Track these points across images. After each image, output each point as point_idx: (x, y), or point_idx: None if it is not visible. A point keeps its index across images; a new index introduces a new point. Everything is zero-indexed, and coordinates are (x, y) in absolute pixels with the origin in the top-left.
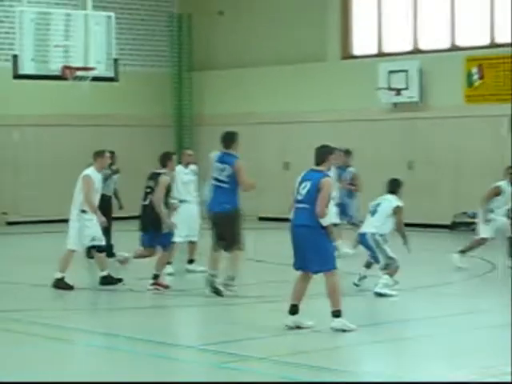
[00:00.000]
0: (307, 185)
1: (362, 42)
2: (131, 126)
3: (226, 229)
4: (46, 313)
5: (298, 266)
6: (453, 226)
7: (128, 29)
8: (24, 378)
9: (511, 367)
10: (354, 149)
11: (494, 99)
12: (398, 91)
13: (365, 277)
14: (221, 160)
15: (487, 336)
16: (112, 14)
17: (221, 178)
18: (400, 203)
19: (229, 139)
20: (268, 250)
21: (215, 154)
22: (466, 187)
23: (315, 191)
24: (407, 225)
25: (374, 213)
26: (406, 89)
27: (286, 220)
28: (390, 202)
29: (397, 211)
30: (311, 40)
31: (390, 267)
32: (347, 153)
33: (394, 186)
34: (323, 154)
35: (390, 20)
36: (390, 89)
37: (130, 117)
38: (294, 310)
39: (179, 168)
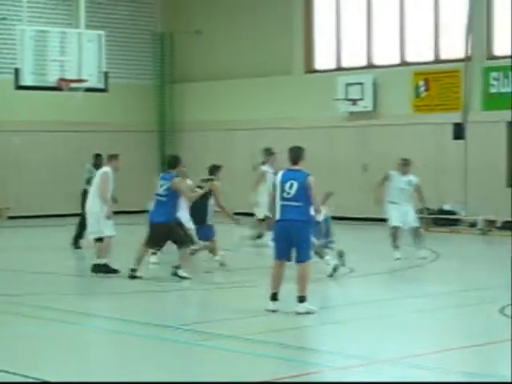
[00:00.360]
0: (294, 184)
1: (323, 58)
2: (119, 132)
3: (169, 236)
4: (46, 297)
5: (282, 256)
6: None
7: (117, 45)
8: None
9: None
10: (315, 152)
11: (439, 109)
12: (354, 101)
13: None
14: (163, 178)
15: (436, 317)
16: (102, 32)
17: (160, 192)
18: None
19: (173, 162)
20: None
21: (160, 175)
22: None
23: (304, 190)
24: (364, 219)
25: None
26: (362, 99)
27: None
28: None
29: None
30: (278, 56)
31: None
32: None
33: None
34: (298, 154)
35: (348, 39)
36: (347, 99)
37: (118, 124)
38: (274, 296)
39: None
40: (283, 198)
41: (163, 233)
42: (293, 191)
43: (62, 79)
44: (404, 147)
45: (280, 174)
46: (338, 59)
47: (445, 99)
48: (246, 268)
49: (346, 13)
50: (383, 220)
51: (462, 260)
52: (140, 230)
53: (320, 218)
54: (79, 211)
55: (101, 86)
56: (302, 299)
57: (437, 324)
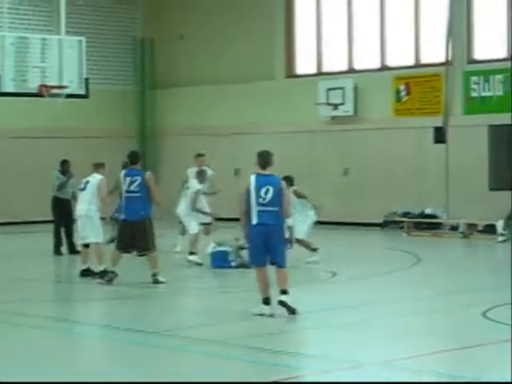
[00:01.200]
0: (269, 189)
1: (304, 63)
2: (100, 138)
3: (139, 235)
4: (24, 304)
5: (261, 262)
6: (383, 225)
7: (97, 51)
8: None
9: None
10: (296, 156)
11: (419, 113)
12: (336, 106)
13: None
14: (130, 174)
15: (419, 321)
16: (83, 38)
17: (132, 188)
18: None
19: (135, 157)
20: None
21: (122, 172)
22: (394, 190)
23: (279, 195)
24: (344, 223)
25: None
26: (343, 104)
27: (237, 220)
28: None
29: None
30: (260, 61)
31: None
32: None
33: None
34: (268, 159)
35: (328, 44)
36: (329, 104)
37: (99, 129)
38: (266, 300)
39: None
40: (259, 204)
41: (137, 230)
42: (269, 196)
43: (42, 85)
44: (385, 151)
45: (252, 178)
46: (319, 64)
47: (426, 103)
48: (228, 272)
49: (327, 18)
50: (361, 224)
51: (443, 264)
52: None
53: (289, 222)
54: (52, 218)
55: (82, 92)
56: (284, 291)
57: (420, 327)
